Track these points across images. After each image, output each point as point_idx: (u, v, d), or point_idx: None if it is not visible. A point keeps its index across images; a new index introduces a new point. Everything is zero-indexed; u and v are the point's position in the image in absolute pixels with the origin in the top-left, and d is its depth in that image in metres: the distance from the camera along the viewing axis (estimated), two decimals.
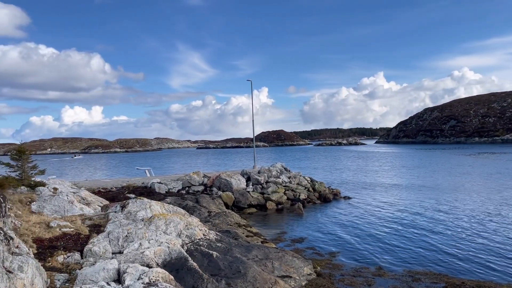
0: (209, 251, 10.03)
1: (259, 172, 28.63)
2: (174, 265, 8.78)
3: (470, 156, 70.50)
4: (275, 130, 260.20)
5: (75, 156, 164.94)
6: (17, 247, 7.26)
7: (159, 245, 9.36)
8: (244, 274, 9.19)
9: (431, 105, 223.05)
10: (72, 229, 10.74)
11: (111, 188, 25.71)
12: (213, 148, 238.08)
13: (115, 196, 22.10)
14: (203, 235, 11.33)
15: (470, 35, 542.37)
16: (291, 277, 10.57)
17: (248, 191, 25.71)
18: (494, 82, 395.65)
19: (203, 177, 28.13)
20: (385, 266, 12.80)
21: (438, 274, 11.87)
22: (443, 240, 15.79)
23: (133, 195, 22.28)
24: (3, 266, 5.93)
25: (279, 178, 28.65)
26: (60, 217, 12.36)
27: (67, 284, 7.33)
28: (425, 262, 13.16)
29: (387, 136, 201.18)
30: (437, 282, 11.13)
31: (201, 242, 10.65)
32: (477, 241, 15.47)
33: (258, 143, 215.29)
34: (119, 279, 7.56)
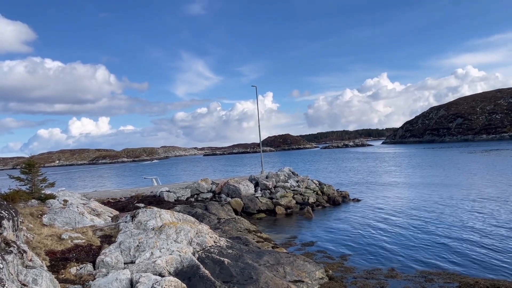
0: (221, 258, 10.04)
1: (267, 177, 28.61)
2: (186, 273, 8.80)
3: (478, 153, 69.91)
4: (281, 134, 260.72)
5: (152, 161, 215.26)
6: (31, 260, 7.32)
7: (171, 254, 9.39)
8: (256, 280, 9.18)
9: (435, 104, 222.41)
10: (83, 241, 10.80)
11: (120, 198, 25.84)
12: (220, 154, 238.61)
13: (125, 206, 22.20)
14: (214, 242, 11.35)
15: (473, 32, 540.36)
16: (303, 281, 10.54)
17: (257, 197, 25.70)
18: (499, 78, 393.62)
19: (211, 184, 28.17)
20: (397, 267, 12.72)
21: (452, 274, 11.78)
22: (455, 240, 15.65)
23: (142, 205, 22.33)
24: (18, 280, 5.99)
25: (287, 182, 28.61)
26: (71, 229, 12.44)
27: None
28: (437, 262, 13.06)
29: (393, 136, 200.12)
30: (450, 282, 11.04)
31: (212, 250, 10.67)
32: (491, 240, 15.32)
33: (265, 148, 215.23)
34: None
